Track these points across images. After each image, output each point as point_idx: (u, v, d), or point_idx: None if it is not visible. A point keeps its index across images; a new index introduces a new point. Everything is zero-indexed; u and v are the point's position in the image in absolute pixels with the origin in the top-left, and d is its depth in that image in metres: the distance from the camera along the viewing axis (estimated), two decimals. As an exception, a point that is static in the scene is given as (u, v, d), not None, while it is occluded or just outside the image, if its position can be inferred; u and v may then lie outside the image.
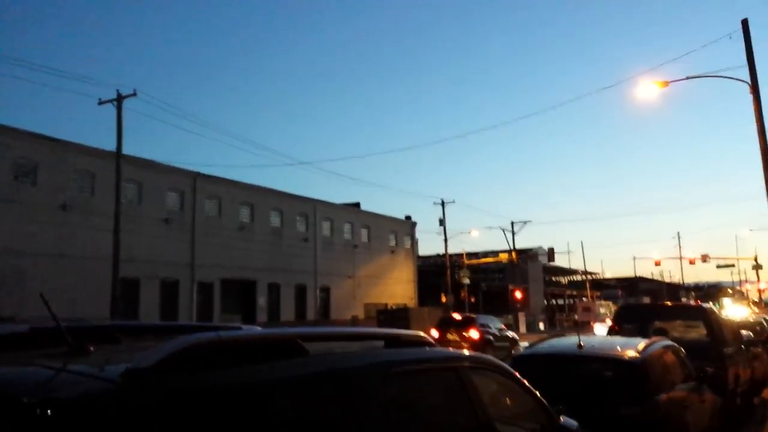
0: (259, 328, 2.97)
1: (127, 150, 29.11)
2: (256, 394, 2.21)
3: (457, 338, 27.20)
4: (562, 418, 4.31)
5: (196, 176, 37.63)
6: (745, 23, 20.50)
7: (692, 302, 23.33)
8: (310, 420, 2.43)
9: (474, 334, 27.44)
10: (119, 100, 27.84)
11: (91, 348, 2.44)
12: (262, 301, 41.27)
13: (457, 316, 31.01)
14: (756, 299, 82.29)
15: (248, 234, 40.92)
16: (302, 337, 2.66)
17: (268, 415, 2.24)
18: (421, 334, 3.55)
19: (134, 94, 27.99)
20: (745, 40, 20.38)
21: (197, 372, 2.12)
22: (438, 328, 28.30)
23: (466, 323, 28.59)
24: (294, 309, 43.67)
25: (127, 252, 29.68)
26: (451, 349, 3.96)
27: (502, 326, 31.23)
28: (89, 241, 30.32)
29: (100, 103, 28.15)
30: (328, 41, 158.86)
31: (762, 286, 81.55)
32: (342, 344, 3.05)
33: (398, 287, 56.00)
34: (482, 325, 28.71)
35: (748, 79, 20.29)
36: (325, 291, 47.64)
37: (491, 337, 28.13)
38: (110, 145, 28.56)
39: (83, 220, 30.53)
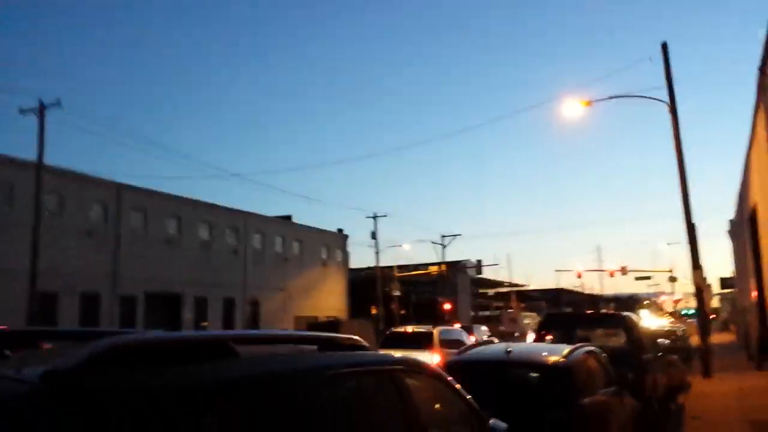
0: (188, 331, 2.89)
1: (49, 160, 28.06)
2: (181, 397, 2.14)
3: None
4: (491, 421, 4.38)
5: (121, 187, 36.44)
6: (665, 47, 21.59)
7: (613, 312, 24.31)
8: (239, 425, 2.34)
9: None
10: (42, 109, 26.93)
11: (8, 352, 2.32)
12: (188, 315, 40.24)
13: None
14: (671, 310, 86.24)
15: (175, 247, 39.89)
16: (234, 340, 2.61)
17: (192, 419, 2.16)
18: (356, 337, 3.54)
19: (58, 104, 27.17)
20: (664, 63, 21.46)
21: (120, 374, 2.05)
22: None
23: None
24: (221, 323, 42.78)
25: (47, 265, 28.45)
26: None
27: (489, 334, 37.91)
28: (6, 254, 28.87)
29: (22, 112, 27.14)
30: (257, 50, 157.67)
31: (677, 297, 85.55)
32: (276, 348, 2.99)
33: (329, 300, 55.73)
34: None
35: (668, 100, 21.38)
36: (255, 304, 46.90)
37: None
38: (31, 155, 27.50)
39: (1, 233, 29.07)
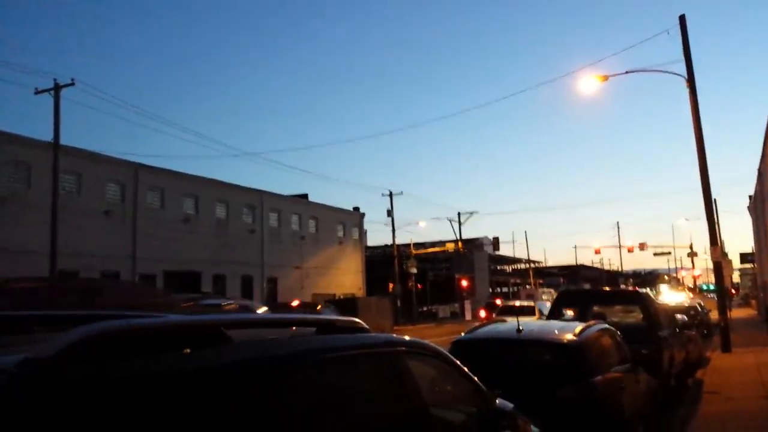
0: (178, 316, 2.83)
1: (65, 141, 28.32)
2: (168, 384, 2.08)
3: None
4: (498, 401, 4.32)
5: (138, 167, 36.65)
6: (682, 19, 21.04)
7: (630, 288, 24.37)
8: (231, 411, 2.27)
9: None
10: (57, 89, 27.18)
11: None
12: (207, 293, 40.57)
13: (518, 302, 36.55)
14: (691, 285, 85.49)
15: (192, 226, 40.14)
16: (226, 324, 2.55)
17: (181, 406, 2.10)
18: (355, 320, 3.47)
19: (72, 84, 27.47)
20: (682, 36, 20.93)
21: (103, 362, 1.99)
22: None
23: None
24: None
25: (66, 245, 28.77)
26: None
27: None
28: (26, 234, 29.21)
29: (37, 92, 27.45)
30: (273, 31, 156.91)
31: (696, 272, 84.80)
32: (271, 331, 2.93)
33: (346, 278, 55.93)
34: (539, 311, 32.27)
35: (685, 74, 20.90)
36: (273, 282, 47.22)
37: None
38: (47, 136, 27.80)
39: (19, 213, 29.38)
